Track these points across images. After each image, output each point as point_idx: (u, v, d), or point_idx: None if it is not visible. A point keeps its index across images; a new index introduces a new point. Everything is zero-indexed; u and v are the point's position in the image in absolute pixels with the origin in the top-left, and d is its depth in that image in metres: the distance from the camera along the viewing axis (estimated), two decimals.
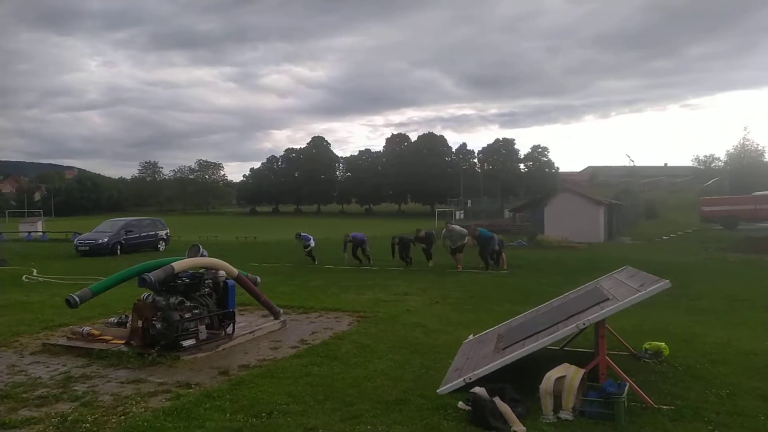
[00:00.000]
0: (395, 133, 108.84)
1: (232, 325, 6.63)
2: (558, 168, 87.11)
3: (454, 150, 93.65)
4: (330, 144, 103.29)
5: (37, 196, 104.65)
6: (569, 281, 10.06)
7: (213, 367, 5.49)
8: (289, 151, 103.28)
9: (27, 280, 13.56)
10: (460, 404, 4.19)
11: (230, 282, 6.78)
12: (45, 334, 7.06)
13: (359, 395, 4.55)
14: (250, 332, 6.74)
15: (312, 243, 17.03)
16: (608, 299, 4.69)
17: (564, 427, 3.86)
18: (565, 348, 5.81)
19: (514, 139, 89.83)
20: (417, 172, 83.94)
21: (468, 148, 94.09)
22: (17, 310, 8.90)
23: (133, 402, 4.47)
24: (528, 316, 6.21)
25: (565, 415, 3.97)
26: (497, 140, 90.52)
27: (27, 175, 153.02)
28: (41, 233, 36.43)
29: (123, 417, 4.14)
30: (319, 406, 4.30)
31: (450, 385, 4.60)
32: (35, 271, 15.48)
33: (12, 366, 5.65)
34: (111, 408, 4.35)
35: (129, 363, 5.62)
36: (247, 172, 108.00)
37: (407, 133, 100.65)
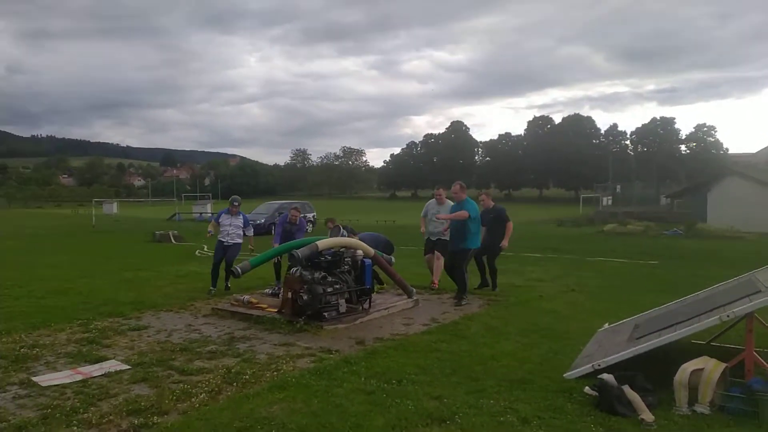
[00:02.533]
0: (537, 115, 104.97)
1: (368, 300, 7.11)
2: (727, 149, 77.63)
3: (602, 131, 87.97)
4: (469, 128, 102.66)
5: (207, 181, 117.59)
6: (727, 274, 9.16)
7: (351, 337, 5.99)
8: (428, 136, 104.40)
9: (199, 255, 15.54)
10: (587, 389, 4.17)
11: (367, 261, 7.26)
12: (214, 300, 8.15)
13: (484, 372, 4.71)
14: (385, 308, 7.19)
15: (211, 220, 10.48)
16: (760, 291, 4.31)
17: (699, 420, 3.69)
18: (713, 343, 5.42)
19: (673, 118, 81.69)
20: (561, 155, 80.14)
21: (619, 129, 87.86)
22: (193, 279, 10.32)
23: (284, 361, 5.08)
24: (671, 307, 5.87)
25: (701, 408, 3.78)
26: (654, 119, 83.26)
27: (199, 162, 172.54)
28: (210, 214, 41.09)
29: (275, 373, 4.75)
30: (446, 379, 4.54)
31: (578, 370, 4.57)
32: (206, 246, 17.63)
33: (189, 325, 6.67)
34: (266, 365, 5.00)
35: (281, 329, 6.34)
36: (388, 158, 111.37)
37: (550, 115, 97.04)
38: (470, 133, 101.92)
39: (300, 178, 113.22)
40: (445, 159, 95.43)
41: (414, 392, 4.22)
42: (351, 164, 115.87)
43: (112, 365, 5.03)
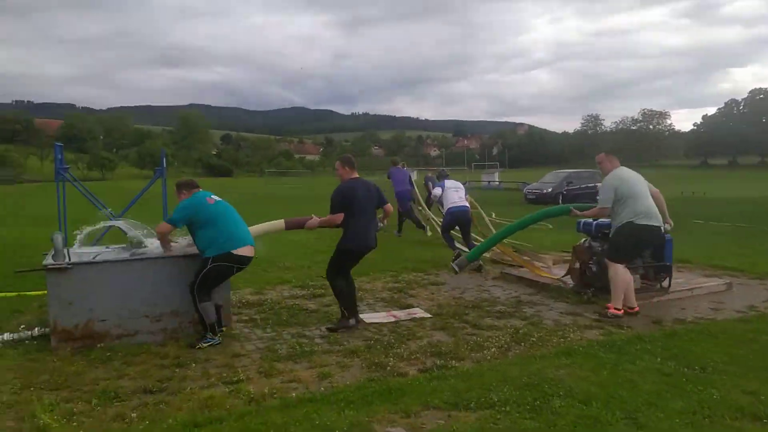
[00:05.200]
0: None
1: (668, 279, 6.52)
2: None
3: None
4: None
5: (495, 151, 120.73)
6: None
7: (645, 315, 5.63)
8: (754, 92, 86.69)
9: (488, 221, 16.28)
10: None
11: (668, 236, 6.63)
12: (501, 265, 8.52)
13: None
14: (689, 289, 6.50)
15: None
16: None
17: None
18: None
19: None
20: None
21: None
22: None
23: (571, 330, 5.11)
24: None
25: None
26: None
27: (487, 132, 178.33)
28: (497, 183, 42.37)
29: (562, 339, 4.84)
30: (764, 374, 3.95)
31: None
32: (494, 214, 18.35)
33: (479, 285, 7.20)
34: (552, 330, 5.12)
35: (567, 298, 6.34)
36: (698, 120, 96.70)
37: None
38: None
39: (591, 146, 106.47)
40: None
41: (721, 382, 3.80)
42: (652, 128, 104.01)
43: (416, 312, 5.82)
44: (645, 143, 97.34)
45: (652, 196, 5.72)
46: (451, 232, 9.19)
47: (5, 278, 7.28)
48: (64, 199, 7.12)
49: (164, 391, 3.76)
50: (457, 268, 6.09)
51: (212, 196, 5.00)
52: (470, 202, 9.58)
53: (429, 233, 12.06)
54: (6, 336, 4.74)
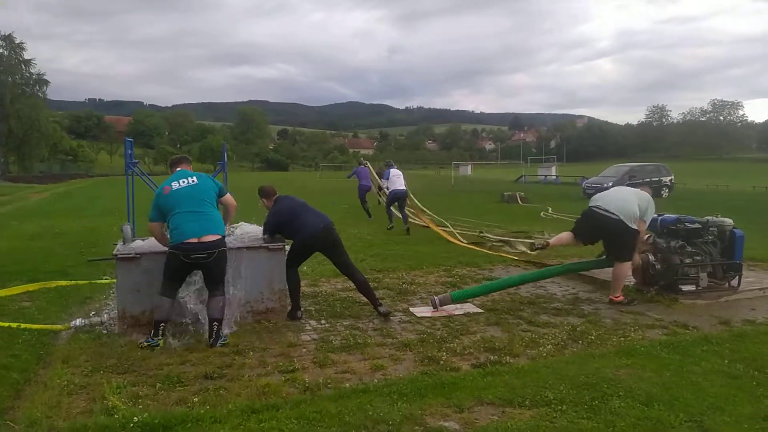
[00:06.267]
0: None
1: (738, 277, 6.19)
2: None
3: None
4: None
5: (552, 144, 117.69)
6: None
7: (713, 315, 5.38)
8: None
9: (544, 216, 15.93)
10: None
11: (738, 232, 6.29)
12: (559, 261, 8.32)
13: None
14: (760, 289, 6.15)
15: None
16: None
17: None
18: None
19: None
20: None
21: None
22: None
23: (632, 329, 4.94)
24: None
25: None
26: None
27: (545, 124, 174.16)
28: (555, 177, 41.35)
29: (622, 338, 4.68)
30: None
31: None
32: (550, 209, 17.93)
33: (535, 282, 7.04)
34: (611, 329, 4.96)
35: (627, 296, 6.11)
36: None
37: None
38: None
39: (656, 138, 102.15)
40: None
41: None
42: (722, 120, 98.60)
43: (470, 307, 5.77)
44: (714, 135, 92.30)
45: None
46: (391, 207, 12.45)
47: (78, 267, 7.74)
48: (133, 191, 7.46)
49: (224, 377, 3.89)
50: (437, 303, 5.68)
51: (171, 184, 4.72)
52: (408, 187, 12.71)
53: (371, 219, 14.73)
54: (78, 321, 5.03)
